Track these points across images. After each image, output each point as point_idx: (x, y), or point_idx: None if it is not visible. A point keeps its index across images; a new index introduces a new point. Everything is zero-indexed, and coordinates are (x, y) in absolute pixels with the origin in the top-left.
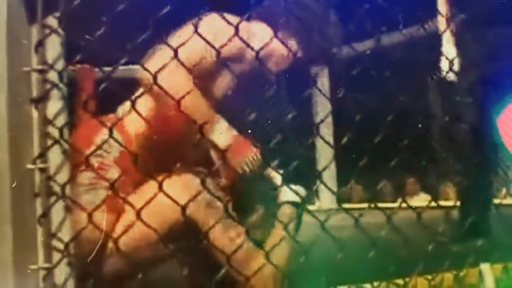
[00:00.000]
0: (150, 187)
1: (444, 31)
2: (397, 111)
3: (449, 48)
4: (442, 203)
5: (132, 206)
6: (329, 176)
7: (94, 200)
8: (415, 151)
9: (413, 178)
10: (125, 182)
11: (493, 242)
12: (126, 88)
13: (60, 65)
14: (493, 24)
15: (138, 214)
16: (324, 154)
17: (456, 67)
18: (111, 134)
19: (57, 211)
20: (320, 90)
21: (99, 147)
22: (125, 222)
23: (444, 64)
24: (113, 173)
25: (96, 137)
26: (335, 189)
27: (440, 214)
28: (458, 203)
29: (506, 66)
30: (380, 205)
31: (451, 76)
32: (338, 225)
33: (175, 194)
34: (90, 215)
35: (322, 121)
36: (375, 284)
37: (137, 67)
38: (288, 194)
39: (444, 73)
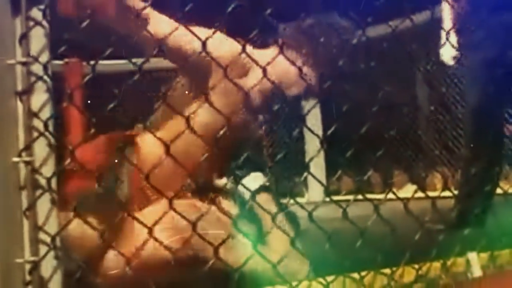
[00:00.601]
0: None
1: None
2: (384, 102)
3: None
4: (430, 193)
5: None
6: (319, 168)
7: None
8: (403, 142)
9: (401, 170)
10: (134, 198)
11: (481, 231)
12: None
13: (44, 57)
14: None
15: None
16: (313, 146)
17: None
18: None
19: (43, 204)
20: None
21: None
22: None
23: (444, 51)
24: (125, 188)
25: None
26: (324, 181)
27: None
28: (446, 193)
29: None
30: (368, 196)
31: (450, 62)
32: (328, 217)
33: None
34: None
35: (308, 111)
36: (363, 274)
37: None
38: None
39: (443, 59)
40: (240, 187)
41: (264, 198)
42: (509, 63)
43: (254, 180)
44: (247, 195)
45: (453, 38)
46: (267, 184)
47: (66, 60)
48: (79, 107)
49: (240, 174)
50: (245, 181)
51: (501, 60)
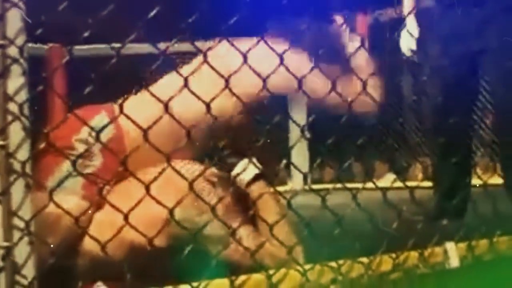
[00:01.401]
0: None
1: (409, 13)
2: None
3: (412, 28)
4: (411, 184)
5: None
6: (302, 157)
7: (74, 188)
8: (385, 131)
9: (382, 159)
10: (107, 172)
11: (459, 221)
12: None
13: (20, 40)
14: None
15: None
16: (296, 134)
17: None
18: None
19: (17, 189)
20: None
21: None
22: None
23: (405, 44)
24: (98, 161)
25: (87, 122)
26: (307, 170)
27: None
28: (425, 184)
29: (472, 43)
30: (350, 185)
31: (413, 56)
32: (311, 205)
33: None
34: (50, 196)
35: (292, 99)
36: (340, 262)
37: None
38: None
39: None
40: (233, 175)
41: (259, 186)
42: (472, 51)
43: (247, 168)
44: (242, 183)
45: (414, 29)
46: (261, 171)
47: (49, 44)
48: (58, 91)
49: (230, 161)
50: (237, 169)
51: (464, 49)
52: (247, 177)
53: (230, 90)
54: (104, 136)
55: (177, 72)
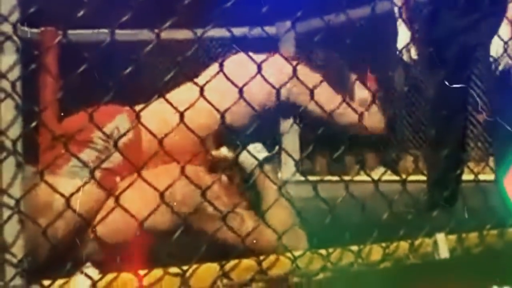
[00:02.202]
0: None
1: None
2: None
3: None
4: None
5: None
6: (293, 149)
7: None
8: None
9: (373, 152)
10: (123, 170)
11: (450, 213)
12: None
13: (14, 17)
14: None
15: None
16: (288, 124)
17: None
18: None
19: (8, 167)
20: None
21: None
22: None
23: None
24: (116, 158)
25: (109, 123)
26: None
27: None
28: (417, 176)
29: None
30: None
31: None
32: (302, 197)
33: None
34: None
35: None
36: (330, 250)
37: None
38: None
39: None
40: (242, 158)
41: (266, 170)
42: (467, 50)
43: (256, 151)
44: (248, 166)
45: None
46: (271, 155)
47: (42, 28)
48: (51, 72)
49: (241, 144)
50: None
51: (457, 44)
52: (256, 160)
53: (244, 99)
54: (124, 137)
55: (194, 82)
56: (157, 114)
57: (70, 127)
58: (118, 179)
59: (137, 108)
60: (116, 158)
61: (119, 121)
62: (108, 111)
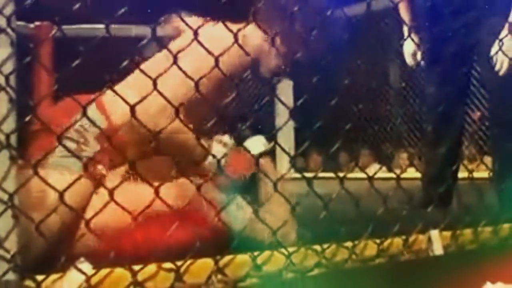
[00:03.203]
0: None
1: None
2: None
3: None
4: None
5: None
6: (288, 146)
7: (75, 168)
8: (371, 121)
9: (367, 149)
10: (103, 159)
11: (445, 210)
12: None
13: (9, 9)
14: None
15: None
16: (283, 120)
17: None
18: (85, 114)
19: (2, 161)
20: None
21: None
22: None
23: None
24: (94, 148)
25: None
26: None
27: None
28: (410, 173)
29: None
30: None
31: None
32: (296, 193)
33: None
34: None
35: (279, 81)
36: (324, 246)
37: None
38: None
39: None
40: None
41: (266, 161)
42: (467, 49)
43: (256, 143)
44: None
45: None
46: (269, 148)
47: (37, 22)
48: (46, 66)
49: (244, 135)
50: (247, 143)
51: (456, 44)
52: (257, 151)
53: (219, 68)
54: (97, 128)
55: (167, 49)
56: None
57: (50, 117)
58: (100, 167)
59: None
60: (93, 147)
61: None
62: (79, 100)
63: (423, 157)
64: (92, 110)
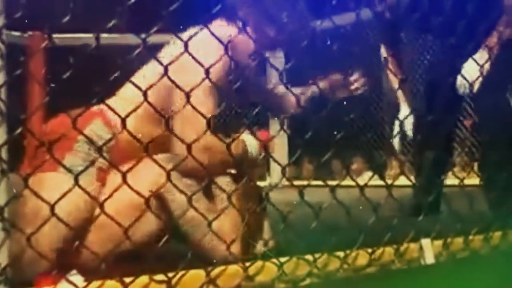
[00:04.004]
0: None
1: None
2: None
3: None
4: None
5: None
6: (281, 155)
7: (90, 178)
8: (364, 128)
9: (360, 157)
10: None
11: (435, 218)
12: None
13: None
14: None
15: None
16: (276, 129)
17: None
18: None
19: None
20: (272, 65)
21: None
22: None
23: None
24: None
25: (87, 126)
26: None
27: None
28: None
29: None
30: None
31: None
32: (288, 201)
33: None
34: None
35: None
36: (316, 256)
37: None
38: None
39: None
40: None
41: None
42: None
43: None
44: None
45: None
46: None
47: (29, 32)
48: (38, 76)
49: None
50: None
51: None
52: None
53: (210, 80)
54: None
55: (157, 60)
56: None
57: (52, 131)
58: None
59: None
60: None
61: (94, 125)
62: (84, 114)
63: (413, 165)
64: (97, 125)
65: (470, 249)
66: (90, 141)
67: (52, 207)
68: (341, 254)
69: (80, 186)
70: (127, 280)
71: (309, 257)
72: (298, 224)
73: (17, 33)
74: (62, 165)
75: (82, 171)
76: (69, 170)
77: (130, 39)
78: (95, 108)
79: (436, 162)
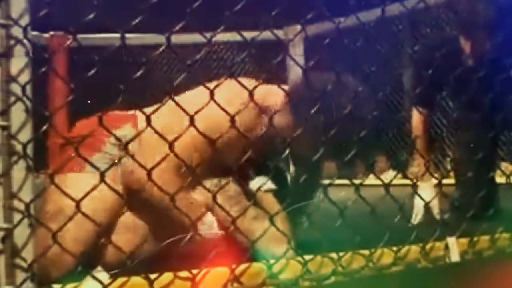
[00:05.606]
0: None
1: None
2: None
3: None
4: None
5: None
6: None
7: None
8: (386, 127)
9: (383, 156)
10: None
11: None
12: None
13: (24, 20)
14: None
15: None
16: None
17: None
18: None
19: (18, 171)
20: (293, 59)
21: None
22: None
23: None
24: (128, 162)
25: (117, 130)
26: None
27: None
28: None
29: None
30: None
31: None
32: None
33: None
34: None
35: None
36: (341, 254)
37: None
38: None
39: None
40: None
41: (268, 196)
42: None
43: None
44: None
45: None
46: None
47: (52, 33)
48: (61, 75)
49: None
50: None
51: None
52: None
53: (256, 104)
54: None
55: (204, 85)
56: (162, 119)
57: (82, 131)
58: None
59: (145, 111)
60: (128, 162)
61: (124, 130)
62: (116, 117)
63: (457, 163)
64: (127, 129)
65: (496, 248)
66: (119, 141)
67: (77, 205)
68: (366, 252)
69: (106, 183)
70: (152, 276)
71: (333, 255)
72: (322, 222)
73: (36, 33)
74: (89, 162)
75: (109, 168)
76: (96, 168)
77: (146, 39)
78: (127, 112)
79: (484, 159)
